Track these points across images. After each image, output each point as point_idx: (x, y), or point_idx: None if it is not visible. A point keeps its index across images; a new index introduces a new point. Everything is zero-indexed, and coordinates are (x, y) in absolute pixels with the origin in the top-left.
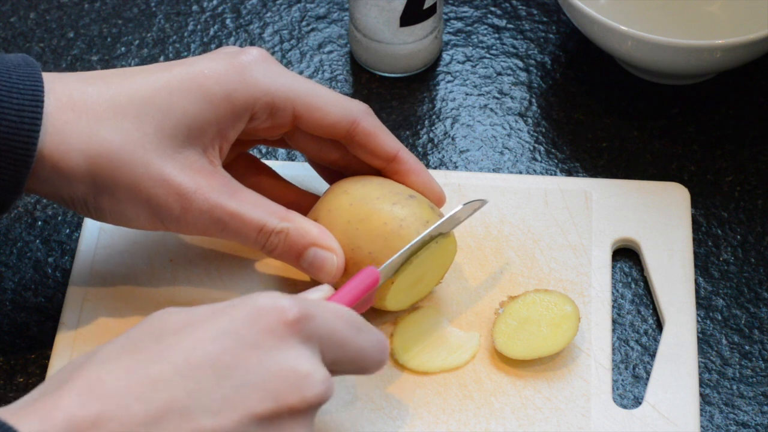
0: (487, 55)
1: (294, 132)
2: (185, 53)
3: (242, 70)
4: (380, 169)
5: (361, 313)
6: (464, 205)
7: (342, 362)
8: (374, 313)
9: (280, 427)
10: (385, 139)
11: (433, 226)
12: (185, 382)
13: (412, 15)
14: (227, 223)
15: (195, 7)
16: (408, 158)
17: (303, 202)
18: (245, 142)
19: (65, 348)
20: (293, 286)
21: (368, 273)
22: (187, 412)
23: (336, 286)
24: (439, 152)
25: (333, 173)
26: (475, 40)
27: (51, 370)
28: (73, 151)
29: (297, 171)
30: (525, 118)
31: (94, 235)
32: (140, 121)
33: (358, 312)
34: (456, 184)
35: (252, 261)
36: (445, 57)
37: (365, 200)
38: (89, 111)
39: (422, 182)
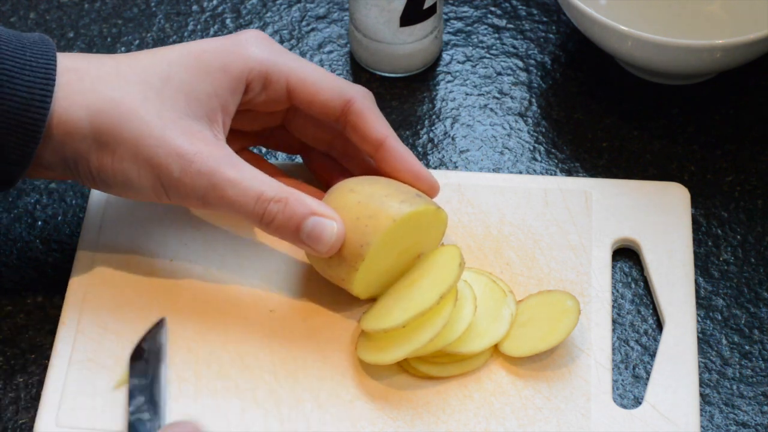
0: (487, 55)
1: (292, 114)
2: None
3: (238, 43)
4: (371, 156)
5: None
6: None
7: None
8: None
9: None
10: (375, 122)
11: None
12: None
13: (412, 15)
14: (225, 190)
15: (195, 7)
16: (397, 146)
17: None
18: (247, 134)
19: (65, 348)
20: (294, 283)
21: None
22: None
23: None
24: (439, 152)
25: (329, 176)
26: (475, 40)
27: (51, 370)
28: (76, 105)
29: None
30: (525, 118)
31: (95, 234)
32: (142, 87)
33: None
34: (456, 184)
35: (253, 260)
36: (445, 57)
37: (373, 198)
38: (93, 75)
39: (412, 170)
